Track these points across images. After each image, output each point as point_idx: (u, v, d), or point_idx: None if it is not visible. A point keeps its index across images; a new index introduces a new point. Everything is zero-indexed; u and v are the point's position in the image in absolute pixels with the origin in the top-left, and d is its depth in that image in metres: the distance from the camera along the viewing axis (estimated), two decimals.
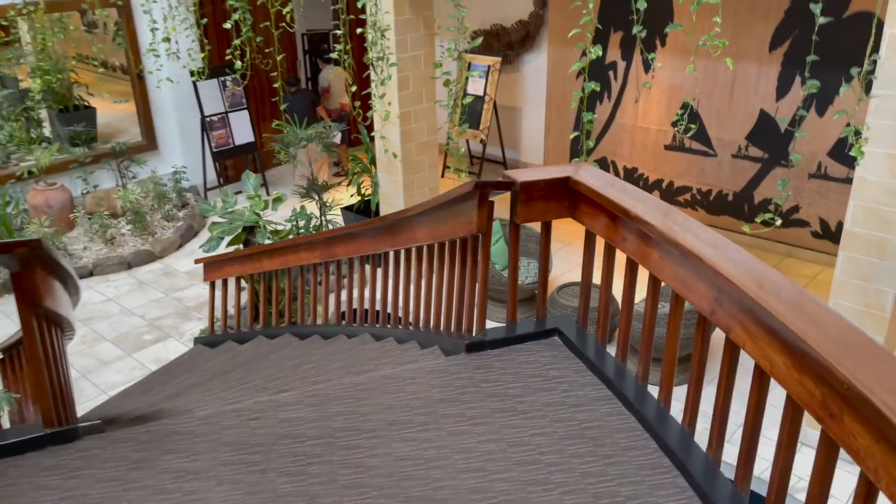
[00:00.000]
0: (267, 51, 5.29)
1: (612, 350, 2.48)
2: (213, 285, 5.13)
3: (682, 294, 1.97)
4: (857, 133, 3.37)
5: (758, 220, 3.73)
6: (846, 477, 2.18)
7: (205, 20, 6.38)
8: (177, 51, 6.25)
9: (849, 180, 5.95)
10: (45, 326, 2.28)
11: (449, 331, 2.92)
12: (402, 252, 3.42)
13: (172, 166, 8.17)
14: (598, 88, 3.76)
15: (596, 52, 3.60)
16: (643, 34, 3.44)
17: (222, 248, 5.61)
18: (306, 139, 6.03)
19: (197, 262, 5.10)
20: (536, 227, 2.68)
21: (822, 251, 6.43)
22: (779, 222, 3.51)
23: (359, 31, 5.32)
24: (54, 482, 2.06)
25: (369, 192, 6.88)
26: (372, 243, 3.60)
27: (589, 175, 2.39)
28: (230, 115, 8.33)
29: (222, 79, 8.11)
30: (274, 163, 8.85)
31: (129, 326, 5.94)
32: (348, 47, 5.11)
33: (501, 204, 2.64)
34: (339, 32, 5.06)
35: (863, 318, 3.80)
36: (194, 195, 8.25)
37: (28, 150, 7.24)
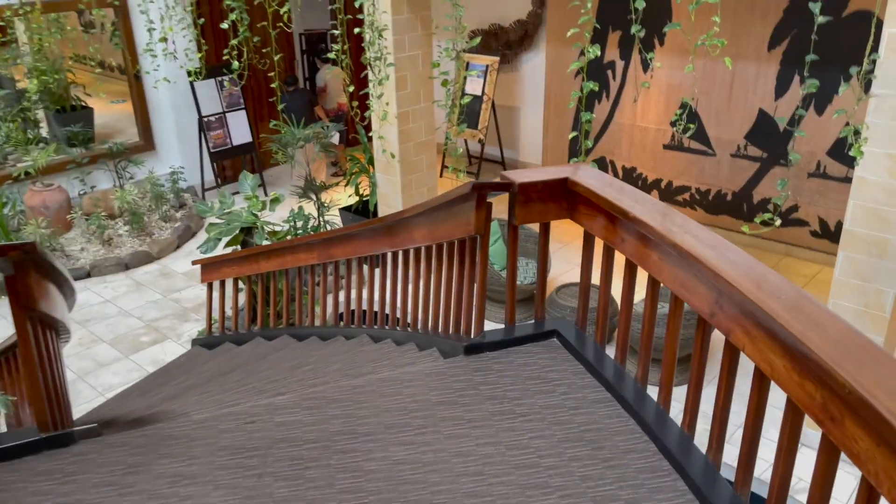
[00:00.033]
0: (264, 51, 5.27)
1: (611, 351, 2.47)
2: (210, 286, 5.11)
3: (681, 296, 1.96)
4: (857, 133, 3.35)
5: (757, 220, 3.72)
6: (846, 478, 2.17)
7: (202, 20, 6.36)
8: (174, 51, 6.23)
9: (848, 179, 5.95)
10: (40, 330, 2.26)
11: (447, 333, 2.91)
12: (401, 253, 3.41)
13: (170, 167, 8.15)
14: (597, 88, 3.74)
15: (594, 51, 3.58)
16: (642, 34, 3.43)
17: (220, 250, 5.60)
18: (304, 139, 6.01)
19: (194, 263, 5.09)
20: (535, 226, 2.67)
21: (821, 250, 6.42)
22: (778, 222, 3.49)
23: (356, 30, 5.30)
24: (49, 487, 2.05)
25: (367, 192, 6.87)
26: (370, 244, 3.59)
27: (587, 176, 2.38)
28: (228, 115, 8.31)
29: (219, 79, 8.09)
30: (272, 163, 8.83)
31: (127, 328, 5.92)
32: (346, 47, 5.09)
33: (501, 204, 2.62)
34: (336, 32, 5.04)
35: (862, 319, 3.79)
36: (192, 196, 8.23)
37: (25, 151, 7.22)
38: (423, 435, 2.18)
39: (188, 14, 6.35)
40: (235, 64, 5.37)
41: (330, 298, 4.79)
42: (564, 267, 6.25)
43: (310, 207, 6.33)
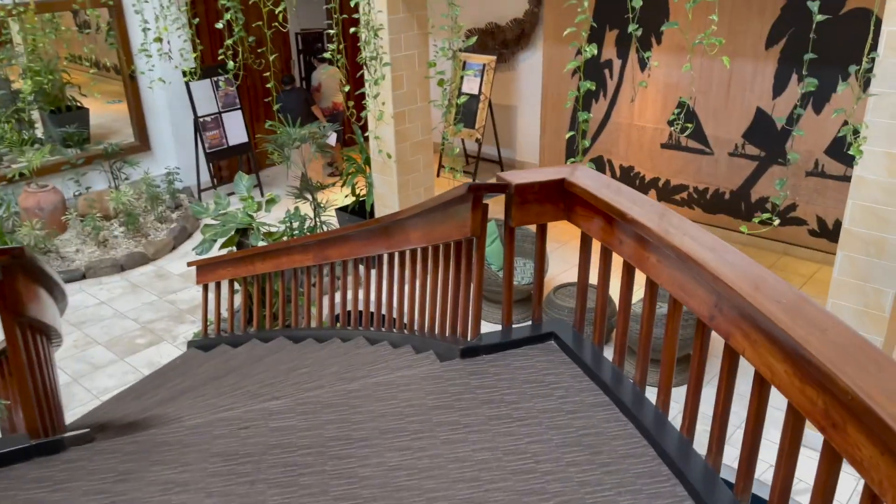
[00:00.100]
0: (260, 50, 5.24)
1: (609, 353, 2.44)
2: (206, 288, 5.08)
3: (680, 299, 1.93)
4: (856, 132, 3.33)
5: (756, 219, 3.70)
6: (846, 478, 2.14)
7: (196, 20, 6.32)
8: (169, 51, 6.20)
9: (846, 178, 5.93)
10: (30, 335, 2.23)
11: (444, 335, 2.88)
12: (397, 255, 3.38)
13: (165, 167, 8.11)
14: (594, 87, 3.72)
15: (591, 50, 3.55)
16: (639, 32, 3.40)
17: (215, 251, 5.56)
18: (300, 139, 5.98)
19: (190, 264, 5.05)
20: (533, 226, 2.64)
21: (819, 249, 6.40)
22: (777, 222, 3.47)
23: (352, 30, 5.27)
24: (39, 495, 2.02)
25: (364, 192, 6.83)
26: (365, 246, 3.56)
27: (584, 177, 2.35)
28: (223, 115, 8.28)
29: (215, 79, 8.05)
30: (268, 163, 8.80)
31: (122, 330, 5.89)
32: (341, 47, 5.06)
33: (498, 204, 2.60)
34: (332, 32, 5.01)
35: (861, 318, 3.77)
36: (188, 196, 8.19)
37: (20, 152, 7.18)
38: (419, 440, 2.15)
39: (183, 14, 6.31)
40: (231, 64, 5.33)
41: (326, 300, 4.75)
42: (562, 266, 6.22)
43: (306, 208, 6.29)
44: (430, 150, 6.03)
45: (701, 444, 2.02)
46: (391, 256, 3.45)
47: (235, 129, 8.37)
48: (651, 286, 2.10)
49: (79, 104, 8.34)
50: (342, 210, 7.00)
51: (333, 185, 7.85)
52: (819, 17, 3.08)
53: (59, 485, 2.06)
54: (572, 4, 3.63)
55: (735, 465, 1.84)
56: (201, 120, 8.07)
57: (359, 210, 6.86)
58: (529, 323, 2.71)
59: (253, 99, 8.83)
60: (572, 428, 2.17)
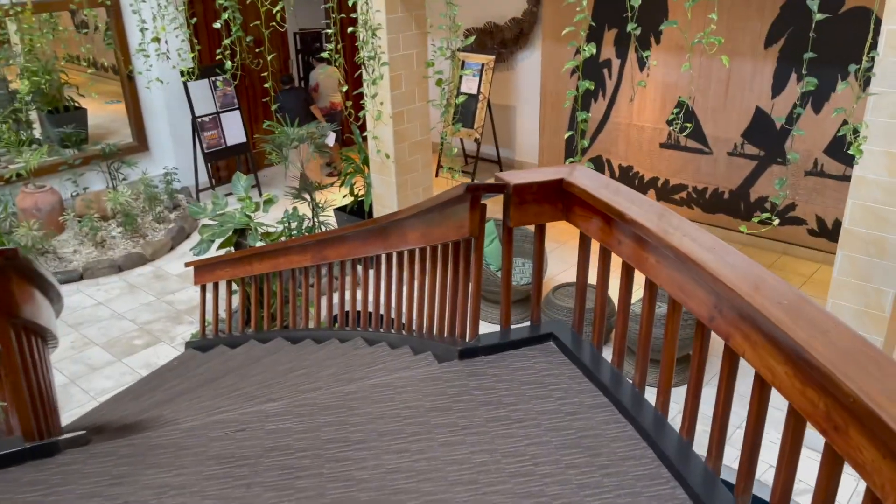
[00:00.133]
0: (258, 50, 5.22)
1: (608, 353, 2.43)
2: (203, 288, 5.06)
3: (680, 300, 1.91)
4: (856, 131, 3.31)
5: (755, 219, 3.68)
6: (846, 479, 2.13)
7: (194, 20, 6.30)
8: (166, 51, 6.17)
9: (845, 177, 5.92)
10: (24, 337, 2.21)
11: (442, 336, 2.87)
12: (395, 255, 3.36)
13: (163, 167, 8.09)
14: (593, 87, 3.70)
15: (590, 50, 3.53)
16: (638, 31, 3.39)
17: (213, 251, 5.54)
18: (298, 139, 5.96)
19: (187, 265, 5.04)
20: (531, 226, 2.63)
21: (818, 249, 6.39)
22: (776, 222, 3.45)
23: (350, 29, 5.25)
24: (33, 499, 2.00)
25: (362, 192, 6.82)
26: (363, 246, 3.54)
27: (583, 177, 2.33)
28: (221, 115, 8.26)
29: (213, 79, 8.03)
30: (266, 163, 8.77)
31: (120, 331, 5.87)
32: (339, 46, 5.04)
33: (497, 204, 2.58)
34: (330, 31, 4.99)
35: (862, 318, 3.75)
36: (186, 197, 8.18)
37: (17, 153, 7.16)
38: (417, 442, 2.13)
39: (180, 14, 6.29)
40: (228, 64, 5.31)
41: (324, 300, 4.74)
42: (561, 266, 6.21)
43: (304, 208, 6.28)
44: (429, 150, 6.02)
45: (701, 444, 2.01)
46: (389, 257, 3.43)
47: (234, 130, 8.35)
48: (650, 287, 2.08)
49: (77, 104, 8.32)
50: (340, 210, 6.98)
51: (332, 185, 7.83)
52: (819, 16, 3.06)
53: (54, 488, 2.04)
54: (571, 4, 3.61)
55: (735, 465, 1.82)
56: (199, 120, 8.05)
57: (357, 210, 6.84)
58: (528, 324, 2.69)
59: (251, 99, 8.81)
60: (571, 430, 2.15)
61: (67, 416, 4.62)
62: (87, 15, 6.66)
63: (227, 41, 5.26)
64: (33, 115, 7.97)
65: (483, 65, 8.06)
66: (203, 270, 4.91)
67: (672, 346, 2.04)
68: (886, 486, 1.25)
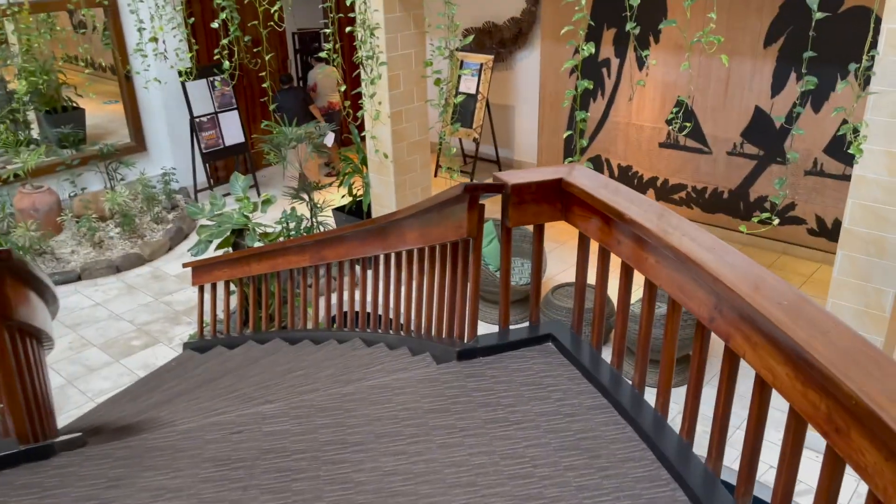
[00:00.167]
0: (256, 50, 5.20)
1: (608, 354, 2.41)
2: (201, 289, 5.04)
3: (679, 301, 1.90)
4: (856, 130, 3.30)
5: (755, 219, 3.67)
6: (846, 479, 2.11)
7: (192, 19, 6.28)
8: (164, 51, 6.15)
9: (845, 177, 5.90)
10: (19, 339, 2.19)
11: (440, 337, 2.85)
12: (393, 256, 3.35)
13: (161, 168, 8.07)
14: (592, 86, 3.68)
15: (588, 49, 3.52)
16: (636, 31, 3.37)
17: (211, 252, 5.53)
18: (296, 139, 5.94)
19: (185, 265, 5.02)
20: (530, 226, 2.61)
21: (818, 249, 6.38)
22: (776, 221, 3.44)
23: (348, 29, 5.23)
24: (28, 502, 1.98)
25: (361, 192, 6.80)
26: (361, 247, 3.52)
27: (582, 176, 2.32)
28: (220, 115, 8.24)
29: (211, 79, 8.01)
30: (264, 164, 8.76)
31: (118, 332, 5.85)
32: (337, 46, 5.02)
33: (497, 204, 2.57)
34: (328, 31, 4.97)
35: (862, 319, 3.74)
36: (184, 197, 8.16)
37: (15, 153, 7.13)
38: (415, 444, 2.12)
39: (178, 13, 6.27)
40: (226, 64, 5.29)
41: (322, 301, 4.72)
42: (560, 267, 6.20)
43: (302, 208, 6.26)
44: (427, 150, 6.00)
45: (701, 445, 1.99)
46: (388, 257, 3.42)
47: (232, 130, 8.33)
48: (650, 287, 2.07)
49: (75, 105, 8.30)
50: (339, 210, 6.96)
51: (330, 185, 7.81)
52: (818, 15, 3.05)
53: (49, 491, 2.02)
54: (570, 3, 3.60)
55: (734, 465, 1.81)
56: (197, 120, 8.03)
57: (356, 210, 6.82)
58: (527, 324, 2.68)
59: (250, 99, 8.79)
60: (570, 431, 2.13)
61: (65, 418, 4.60)
62: (84, 15, 6.64)
63: (224, 41, 5.24)
64: (31, 115, 7.95)
65: (482, 64, 8.05)
66: (201, 271, 4.89)
67: (672, 347, 2.03)
68: (889, 489, 1.23)
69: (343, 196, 7.14)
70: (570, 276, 5.94)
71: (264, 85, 5.27)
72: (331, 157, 8.53)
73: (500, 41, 8.20)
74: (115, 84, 8.17)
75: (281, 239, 5.55)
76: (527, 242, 5.74)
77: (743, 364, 1.72)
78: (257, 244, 5.25)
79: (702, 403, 1.98)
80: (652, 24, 4.73)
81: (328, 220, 6.50)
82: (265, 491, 1.96)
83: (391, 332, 3.38)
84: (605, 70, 7.32)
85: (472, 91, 8.06)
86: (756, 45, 6.19)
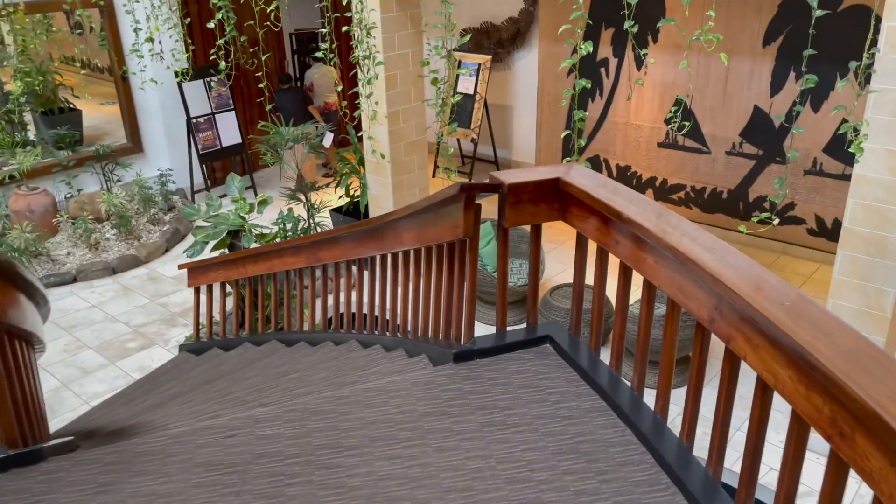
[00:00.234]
0: (252, 50, 5.16)
1: (606, 355, 2.38)
2: (197, 291, 5.00)
3: (679, 302, 1.86)
4: (856, 129, 3.27)
5: (754, 219, 3.63)
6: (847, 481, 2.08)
7: (188, 20, 6.25)
8: (160, 51, 6.12)
9: (844, 176, 5.88)
10: (8, 342, 2.15)
11: (437, 339, 2.81)
12: (389, 256, 3.31)
13: (158, 169, 8.03)
14: (589, 86, 3.65)
15: (587, 48, 3.49)
16: (635, 29, 3.34)
17: (207, 253, 5.49)
18: (293, 140, 5.90)
19: (181, 267, 4.98)
20: (528, 227, 2.58)
21: (818, 249, 6.35)
22: (776, 221, 3.41)
23: (344, 28, 5.20)
24: None
25: (358, 193, 6.76)
26: (357, 247, 3.49)
27: (580, 176, 2.29)
28: (217, 116, 8.20)
29: (208, 79, 7.97)
30: (261, 164, 8.72)
31: (113, 334, 5.81)
32: (334, 46, 4.99)
33: (494, 204, 2.53)
34: (324, 31, 4.94)
35: (863, 319, 3.71)
36: (181, 198, 8.12)
37: (11, 154, 7.09)
38: (410, 448, 2.08)
39: (174, 14, 6.23)
40: (223, 64, 5.26)
41: (319, 302, 4.68)
42: (559, 268, 6.16)
43: (299, 209, 6.22)
44: (425, 151, 5.97)
45: (701, 447, 1.96)
46: (384, 258, 3.38)
47: (229, 130, 8.30)
48: (649, 288, 2.04)
49: (71, 106, 8.26)
50: (336, 211, 6.93)
51: (327, 185, 7.78)
52: (818, 13, 3.02)
53: (37, 497, 1.98)
54: (568, 2, 3.56)
55: (734, 467, 1.77)
56: (194, 121, 8.00)
57: (353, 211, 6.79)
58: (524, 326, 2.64)
59: (247, 99, 8.76)
60: (568, 434, 2.10)
61: (60, 421, 4.56)
62: (80, 15, 6.60)
63: (220, 41, 5.20)
64: (28, 116, 7.91)
65: (480, 65, 8.02)
66: (196, 272, 4.85)
67: (671, 349, 1.99)
68: (895, 495, 1.20)
69: (340, 197, 7.10)
70: (568, 276, 5.90)
71: (261, 85, 5.24)
72: (328, 158, 8.50)
73: (498, 41, 8.17)
74: (112, 85, 8.14)
75: (277, 240, 5.51)
76: (525, 243, 5.71)
77: (743, 365, 1.68)
78: (254, 245, 5.21)
79: (702, 405, 1.95)
80: (650, 24, 4.70)
81: (325, 220, 6.46)
82: (258, 496, 1.93)
83: (388, 333, 3.35)
84: (603, 70, 7.29)
85: (470, 91, 8.03)
86: (755, 44, 6.16)
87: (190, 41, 6.18)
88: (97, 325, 5.94)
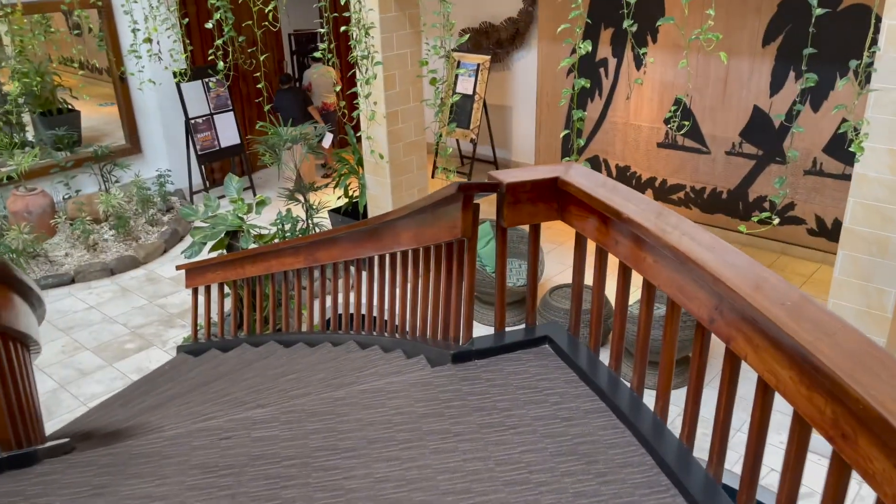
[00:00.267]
0: (251, 50, 5.15)
1: (605, 356, 2.36)
2: (195, 292, 4.98)
3: (679, 302, 1.84)
4: (857, 129, 3.25)
5: (755, 219, 3.62)
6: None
7: (186, 20, 6.23)
8: (158, 52, 6.10)
9: (845, 176, 5.86)
10: (2, 344, 2.13)
11: (435, 339, 2.80)
12: (387, 257, 3.29)
13: (157, 170, 8.02)
14: (588, 85, 3.63)
15: (585, 47, 3.47)
16: (634, 28, 3.32)
17: (205, 254, 5.47)
18: (291, 140, 5.88)
19: (178, 268, 4.96)
20: (526, 227, 2.56)
21: (818, 249, 6.33)
22: (776, 221, 3.39)
23: (343, 28, 5.19)
24: None
25: (357, 194, 6.75)
26: (355, 248, 3.47)
27: (578, 175, 2.27)
28: (215, 116, 8.18)
29: (206, 80, 7.95)
30: (260, 165, 8.70)
31: (111, 335, 5.79)
32: (332, 46, 4.97)
33: (493, 204, 2.51)
34: (322, 31, 4.92)
35: (864, 319, 3.69)
36: (180, 199, 8.10)
37: (9, 155, 7.07)
38: (408, 450, 2.06)
39: (172, 14, 6.21)
40: (221, 64, 5.24)
41: (317, 303, 4.66)
42: (558, 268, 6.15)
43: (298, 210, 6.21)
44: (424, 151, 5.95)
45: (701, 448, 1.94)
46: (381, 259, 3.36)
47: (227, 131, 8.28)
48: (648, 288, 2.02)
49: (70, 107, 8.24)
50: (335, 212, 6.91)
51: (326, 186, 7.76)
52: (819, 11, 3.00)
53: (31, 499, 1.96)
54: (567, 2, 3.55)
55: (734, 468, 1.75)
56: (192, 121, 7.98)
57: (352, 212, 6.77)
58: (523, 326, 2.63)
59: (246, 100, 8.74)
60: (567, 436, 2.08)
61: (57, 422, 4.54)
62: (78, 16, 6.59)
63: (219, 41, 5.19)
64: (26, 117, 7.89)
65: (479, 65, 8.00)
66: (194, 273, 4.83)
67: (671, 349, 1.97)
68: None
69: (339, 197, 7.09)
70: (567, 277, 5.88)
71: (259, 86, 5.22)
72: (326, 158, 8.48)
73: (497, 41, 8.16)
74: (111, 86, 8.12)
75: (276, 241, 5.49)
76: (524, 244, 5.69)
77: (744, 366, 1.67)
78: (252, 246, 5.19)
79: (702, 406, 1.93)
80: (650, 23, 4.69)
81: (324, 221, 6.44)
82: (254, 498, 1.91)
83: (386, 334, 3.33)
84: (602, 70, 7.27)
85: (470, 92, 8.02)
86: (754, 43, 6.15)
87: (188, 41, 6.16)
88: (95, 326, 5.92)
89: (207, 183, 8.36)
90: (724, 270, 1.62)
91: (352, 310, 3.82)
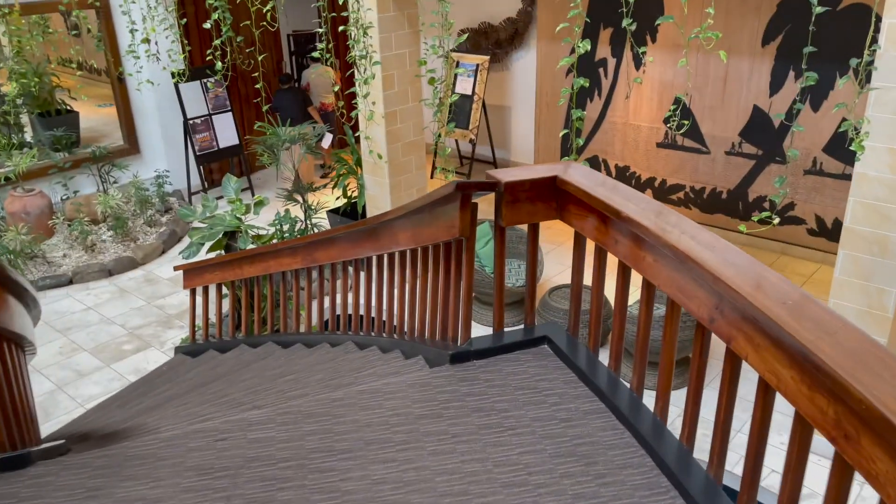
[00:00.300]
0: (249, 51, 5.13)
1: (605, 356, 2.34)
2: (193, 292, 4.96)
3: (679, 301, 1.83)
4: (857, 128, 3.24)
5: (755, 218, 3.60)
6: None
7: (184, 20, 6.22)
8: (157, 52, 6.08)
9: (845, 176, 5.84)
10: None
11: (433, 340, 2.78)
12: (385, 257, 3.28)
13: (155, 170, 8.00)
14: (588, 84, 3.62)
15: (584, 46, 3.46)
16: (633, 27, 3.31)
17: (203, 254, 5.45)
18: (290, 140, 5.87)
19: (176, 268, 4.94)
20: (525, 226, 2.54)
21: (818, 249, 6.31)
22: (777, 221, 3.38)
23: (341, 28, 5.17)
24: None
25: (356, 194, 6.73)
26: (353, 248, 3.45)
27: (577, 174, 2.25)
28: (213, 117, 8.17)
29: (204, 80, 7.93)
30: (258, 166, 8.69)
31: (109, 336, 5.76)
32: (330, 46, 4.96)
33: (492, 204, 2.49)
34: (321, 31, 4.91)
35: (864, 319, 3.67)
36: (178, 200, 8.08)
37: (8, 156, 7.05)
38: (405, 451, 2.04)
39: (170, 14, 6.20)
40: (219, 65, 5.23)
41: (315, 304, 4.64)
42: (557, 268, 6.13)
43: (296, 210, 6.19)
44: (423, 151, 5.93)
45: (701, 449, 1.92)
46: (380, 259, 3.35)
47: (226, 132, 8.26)
48: (648, 288, 2.00)
49: (68, 108, 8.23)
50: (333, 212, 6.89)
51: (324, 186, 7.74)
52: (819, 9, 2.99)
53: (24, 501, 1.94)
54: (566, 2, 3.53)
55: (735, 469, 1.73)
56: (191, 122, 7.96)
57: (350, 212, 6.75)
58: (522, 327, 2.61)
59: (245, 100, 8.72)
60: (566, 437, 2.06)
61: (54, 424, 4.52)
62: (76, 17, 6.57)
63: (217, 42, 5.17)
64: (24, 118, 7.87)
65: (478, 65, 7.98)
66: (192, 274, 4.81)
67: (671, 350, 1.96)
68: None
69: (338, 198, 7.07)
70: (567, 278, 5.87)
71: (258, 86, 5.21)
72: (325, 158, 8.46)
73: (496, 42, 8.14)
74: (109, 87, 8.10)
75: (274, 241, 5.47)
76: (523, 244, 5.67)
77: (745, 366, 1.65)
78: (250, 246, 5.17)
79: (702, 407, 1.91)
80: (649, 22, 4.67)
81: (323, 221, 6.42)
82: (249, 501, 1.89)
83: (384, 335, 3.31)
84: (601, 70, 7.26)
85: (469, 92, 8.00)
86: (754, 43, 6.13)
87: (186, 42, 6.16)
88: (93, 327, 5.90)
89: (206, 183, 8.35)
90: (725, 269, 1.60)
91: (350, 310, 3.81)
